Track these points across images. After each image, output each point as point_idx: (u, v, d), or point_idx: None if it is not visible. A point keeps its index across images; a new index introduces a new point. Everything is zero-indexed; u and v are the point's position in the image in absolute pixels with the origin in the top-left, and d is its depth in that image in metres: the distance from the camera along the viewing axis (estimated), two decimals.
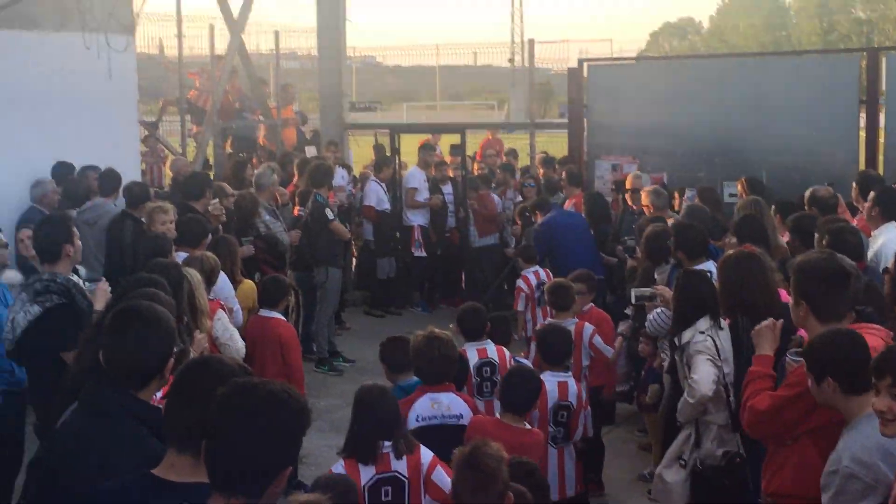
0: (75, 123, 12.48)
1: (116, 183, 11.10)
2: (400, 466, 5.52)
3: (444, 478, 5.55)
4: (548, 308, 9.62)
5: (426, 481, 5.58)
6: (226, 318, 8.09)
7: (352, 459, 5.53)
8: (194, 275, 7.05)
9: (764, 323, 5.64)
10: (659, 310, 8.06)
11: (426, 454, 5.67)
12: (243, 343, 8.19)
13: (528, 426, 6.69)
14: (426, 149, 16.39)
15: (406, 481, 5.53)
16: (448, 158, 17.66)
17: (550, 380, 7.39)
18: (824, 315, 5.18)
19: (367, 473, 5.45)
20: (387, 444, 5.51)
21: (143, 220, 10.19)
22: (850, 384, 4.64)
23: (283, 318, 9.18)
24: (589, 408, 7.83)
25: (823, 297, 5.25)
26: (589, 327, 8.97)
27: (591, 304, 9.66)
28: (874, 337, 5.04)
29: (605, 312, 9.78)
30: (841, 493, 4.63)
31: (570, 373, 7.76)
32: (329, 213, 12.43)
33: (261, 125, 18.35)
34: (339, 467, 5.51)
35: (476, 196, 15.54)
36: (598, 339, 8.95)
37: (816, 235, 8.15)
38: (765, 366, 5.50)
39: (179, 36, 17.27)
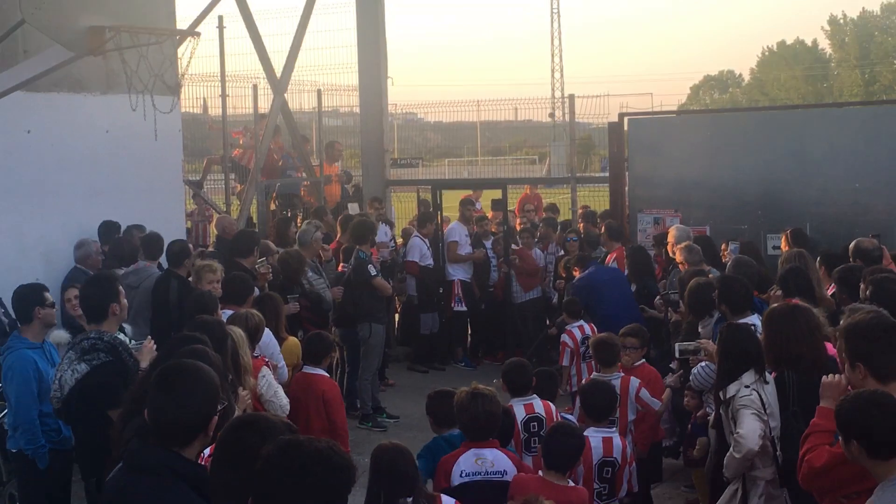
0: (122, 183, 12.67)
1: (160, 246, 11.19)
2: None
3: None
4: (593, 363, 9.57)
5: None
6: (270, 375, 8.12)
7: None
8: (238, 332, 7.09)
9: (833, 376, 5.55)
10: (703, 364, 8.00)
11: (447, 502, 5.63)
12: (288, 400, 8.22)
13: (572, 483, 6.63)
14: (466, 204, 16.45)
15: None
16: (489, 214, 17.71)
17: (595, 436, 7.35)
18: (884, 374, 5.12)
19: None
20: (408, 500, 5.46)
21: (186, 277, 10.29)
22: (875, 449, 4.61)
23: (326, 374, 9.21)
24: (634, 464, 7.76)
25: (881, 356, 5.21)
26: (635, 381, 8.90)
27: (644, 360, 9.60)
28: None
29: (655, 369, 9.70)
30: None
31: (615, 428, 7.70)
32: (372, 269, 12.47)
33: (303, 182, 18.49)
34: None
35: (516, 251, 15.57)
36: (644, 393, 8.87)
37: (861, 286, 8.10)
38: (827, 419, 5.38)
39: (223, 96, 17.48)
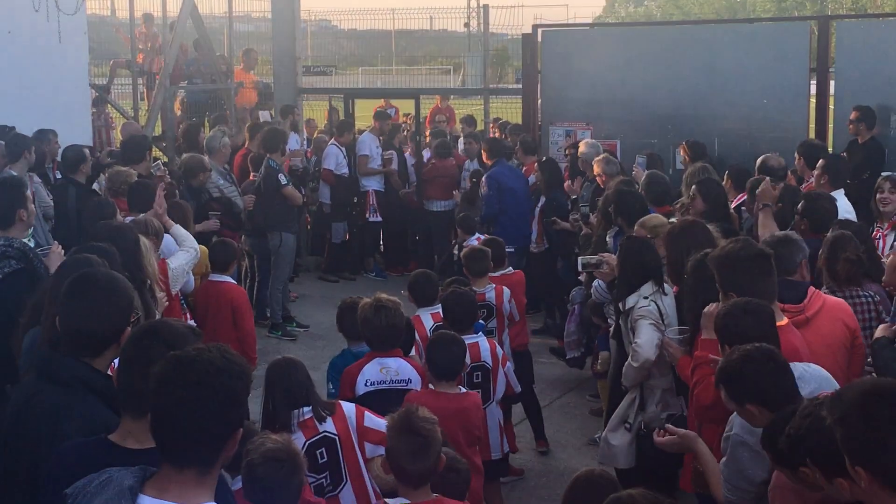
0: (25, 86, 12.35)
1: (22, 148, 10.54)
2: (327, 427, 5.51)
3: (376, 420, 5.57)
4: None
5: (360, 431, 5.55)
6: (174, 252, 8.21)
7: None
8: (144, 241, 7.00)
9: (712, 306, 5.64)
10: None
11: (348, 407, 5.65)
12: (196, 244, 8.43)
13: (463, 389, 6.63)
14: (381, 117, 16.35)
15: (337, 438, 5.52)
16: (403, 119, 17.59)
17: None
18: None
19: (297, 442, 5.32)
20: (306, 410, 5.50)
21: (83, 182, 10.16)
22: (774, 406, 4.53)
23: (234, 281, 9.18)
24: (509, 364, 7.75)
25: (751, 284, 5.35)
26: (507, 291, 8.75)
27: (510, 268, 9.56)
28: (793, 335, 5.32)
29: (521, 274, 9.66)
30: (732, 460, 4.77)
31: (480, 334, 7.62)
32: (282, 178, 12.40)
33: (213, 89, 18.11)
34: None
35: (433, 163, 15.56)
36: (512, 303, 8.82)
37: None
38: (709, 350, 5.51)
39: None
